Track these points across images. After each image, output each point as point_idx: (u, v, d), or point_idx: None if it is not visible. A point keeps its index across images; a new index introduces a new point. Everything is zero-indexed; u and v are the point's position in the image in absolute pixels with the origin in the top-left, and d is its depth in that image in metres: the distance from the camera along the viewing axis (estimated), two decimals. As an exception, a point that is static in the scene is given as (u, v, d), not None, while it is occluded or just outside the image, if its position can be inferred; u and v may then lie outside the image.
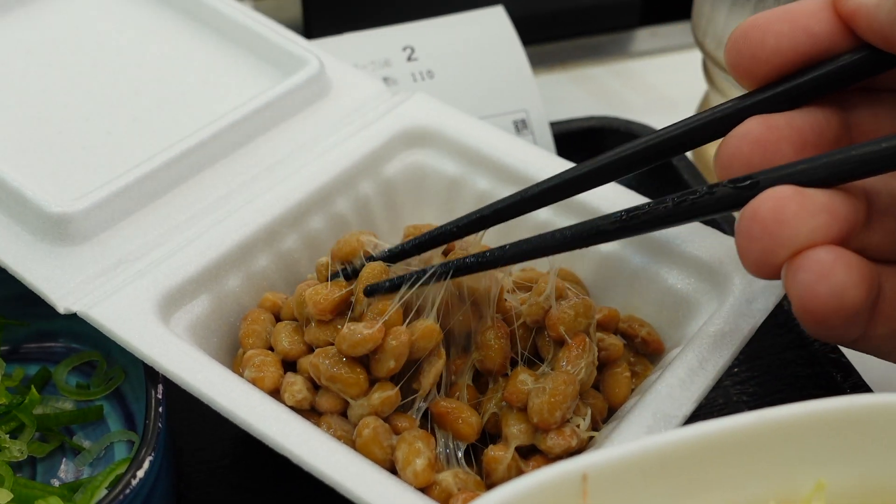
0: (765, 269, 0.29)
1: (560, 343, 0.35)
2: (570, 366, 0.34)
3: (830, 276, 0.27)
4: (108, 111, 0.44)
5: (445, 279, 0.34)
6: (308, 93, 0.45)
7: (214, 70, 0.47)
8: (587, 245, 0.33)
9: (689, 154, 0.57)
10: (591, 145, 0.54)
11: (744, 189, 0.30)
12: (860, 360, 0.40)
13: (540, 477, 0.24)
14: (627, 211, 0.32)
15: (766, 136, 0.31)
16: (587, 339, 0.35)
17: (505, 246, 0.34)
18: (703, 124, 0.33)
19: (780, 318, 0.42)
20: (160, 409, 0.34)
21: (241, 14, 0.47)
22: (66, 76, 0.45)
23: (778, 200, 0.28)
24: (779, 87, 0.32)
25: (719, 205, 0.30)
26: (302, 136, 0.44)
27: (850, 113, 0.33)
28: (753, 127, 0.31)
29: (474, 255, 0.34)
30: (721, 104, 0.33)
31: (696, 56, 0.60)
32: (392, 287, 0.34)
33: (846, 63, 0.31)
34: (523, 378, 0.34)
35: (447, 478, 0.32)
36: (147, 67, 0.46)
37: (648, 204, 0.32)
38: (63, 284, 0.36)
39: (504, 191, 0.43)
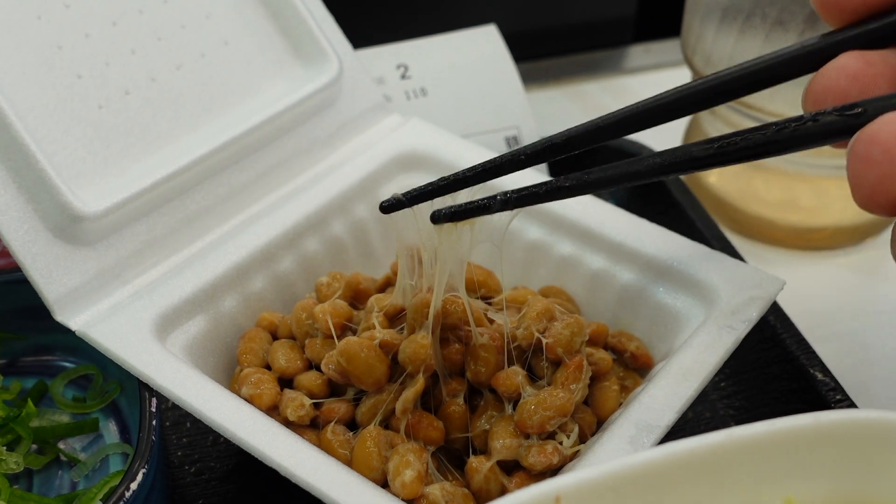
0: (878, 197, 0.27)
1: (556, 363, 0.36)
2: (571, 384, 0.35)
3: None
4: (142, 85, 0.42)
5: (511, 209, 0.34)
6: (319, 100, 0.45)
7: (246, 48, 0.45)
8: (680, 173, 0.32)
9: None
10: (582, 161, 0.55)
11: (851, 116, 0.28)
12: (844, 375, 0.41)
13: (513, 500, 0.25)
14: (723, 137, 0.30)
15: (864, 70, 0.30)
16: (584, 361, 0.35)
17: (588, 171, 0.33)
18: (789, 59, 0.32)
19: (767, 333, 0.43)
20: (154, 423, 0.35)
21: None
22: (102, 42, 0.42)
23: None
24: (867, 26, 0.31)
25: (825, 132, 0.28)
26: (307, 146, 0.45)
27: None
28: (850, 61, 0.30)
29: (542, 183, 0.34)
30: (809, 39, 0.32)
31: (687, 72, 0.61)
32: (455, 214, 0.35)
33: None
34: (515, 369, 0.35)
35: (434, 491, 0.33)
36: (185, 36, 0.44)
37: (746, 130, 0.30)
38: (62, 283, 0.37)
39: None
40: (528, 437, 0.34)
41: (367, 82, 0.48)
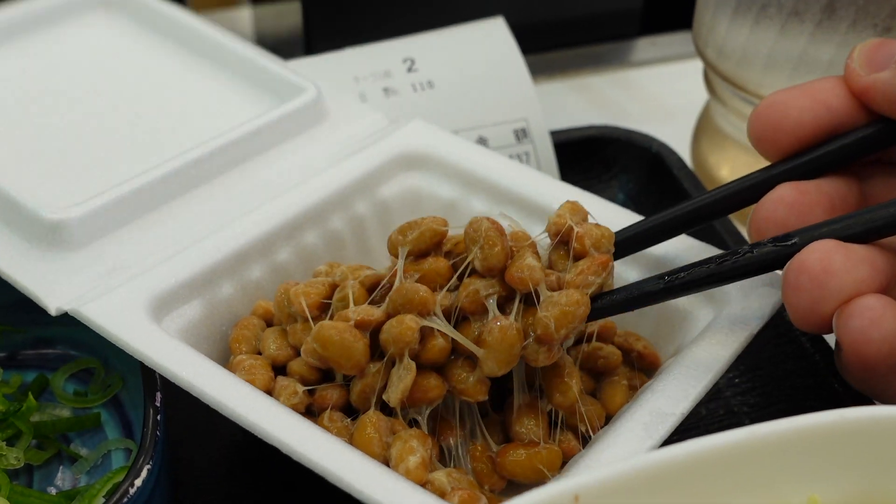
0: (813, 318, 0.30)
1: (579, 258, 0.35)
2: (588, 276, 0.33)
3: (882, 322, 0.29)
4: (107, 131, 0.45)
5: None
6: (305, 118, 0.45)
7: (214, 97, 0.47)
8: (635, 308, 0.34)
9: (690, 165, 0.57)
10: (591, 154, 0.54)
11: (785, 247, 0.31)
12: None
13: (531, 499, 0.24)
14: (669, 273, 0.33)
15: (800, 200, 0.33)
16: (611, 261, 0.34)
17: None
18: (732, 193, 0.35)
19: (781, 329, 0.42)
20: (158, 418, 0.34)
21: (241, 46, 0.48)
22: (65, 100, 0.46)
23: (824, 253, 0.30)
24: (801, 159, 0.34)
25: (762, 263, 0.32)
26: (297, 159, 0.44)
27: (865, 183, 0.35)
28: (787, 192, 0.33)
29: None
30: (748, 175, 0.35)
31: (696, 65, 0.60)
32: None
33: (863, 136, 0.34)
34: (531, 262, 0.33)
35: (440, 476, 0.32)
36: (148, 93, 0.47)
37: (691, 265, 0.33)
38: (56, 288, 0.36)
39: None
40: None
41: (358, 105, 0.48)
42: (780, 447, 0.26)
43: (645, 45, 0.75)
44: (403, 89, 0.52)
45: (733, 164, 0.55)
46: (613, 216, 0.40)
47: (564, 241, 0.34)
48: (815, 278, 0.30)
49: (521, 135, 0.52)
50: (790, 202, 0.33)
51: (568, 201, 0.36)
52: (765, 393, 0.42)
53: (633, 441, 0.31)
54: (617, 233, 0.36)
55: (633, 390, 0.37)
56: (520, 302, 0.33)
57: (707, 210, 0.36)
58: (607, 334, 0.39)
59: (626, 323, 0.40)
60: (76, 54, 0.49)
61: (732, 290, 0.37)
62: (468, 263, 0.34)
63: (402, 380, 0.33)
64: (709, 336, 0.35)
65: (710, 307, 0.37)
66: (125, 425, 0.40)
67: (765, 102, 0.34)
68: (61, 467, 0.38)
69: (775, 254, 0.31)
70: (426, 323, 0.33)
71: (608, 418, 0.36)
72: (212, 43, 0.49)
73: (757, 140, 0.35)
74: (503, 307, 0.33)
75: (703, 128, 0.59)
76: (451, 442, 0.35)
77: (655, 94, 0.70)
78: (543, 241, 0.36)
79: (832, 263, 0.29)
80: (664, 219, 0.36)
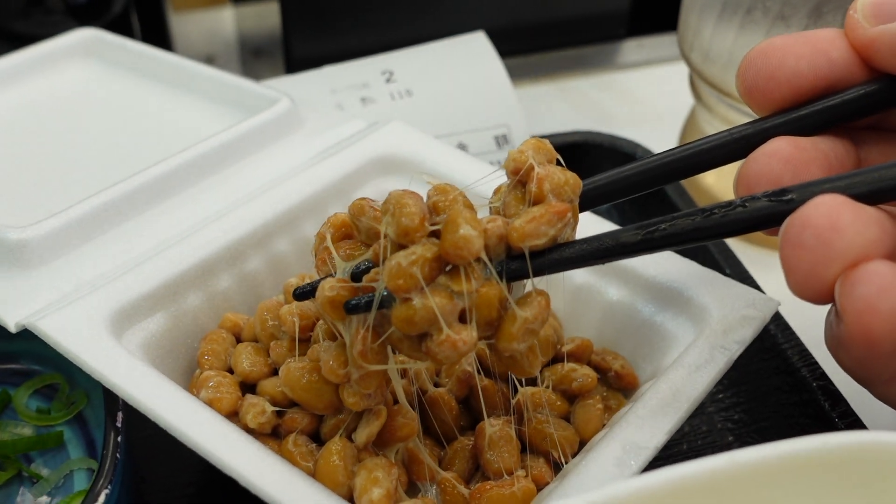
0: (813, 282, 0.26)
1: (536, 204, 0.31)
2: (541, 225, 0.29)
3: (892, 290, 0.25)
4: (83, 157, 0.45)
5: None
6: (278, 127, 0.45)
7: (190, 120, 0.48)
8: (607, 261, 0.30)
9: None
10: (575, 160, 0.53)
11: (782, 202, 0.28)
12: (848, 387, 0.39)
13: None
14: (648, 223, 0.30)
15: (796, 155, 0.29)
16: (570, 211, 0.30)
17: (505, 262, 0.29)
18: (718, 145, 0.32)
19: (767, 343, 0.41)
20: (118, 439, 0.33)
21: (212, 71, 0.49)
22: (44, 132, 0.47)
23: (832, 208, 0.26)
24: (795, 113, 0.31)
25: (754, 219, 0.28)
26: (271, 167, 0.43)
27: (860, 147, 0.32)
28: (782, 146, 0.30)
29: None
30: (737, 126, 0.32)
31: (683, 68, 0.59)
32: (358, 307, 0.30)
33: (866, 92, 0.30)
34: (465, 233, 0.28)
35: None
36: (125, 123, 0.48)
37: (674, 216, 0.29)
38: (17, 305, 0.35)
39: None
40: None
41: (337, 115, 0.47)
42: (762, 474, 0.25)
43: (631, 48, 0.73)
44: (381, 98, 0.51)
45: (719, 170, 0.54)
46: (590, 226, 0.39)
47: (524, 182, 0.30)
48: (821, 235, 0.26)
49: (502, 141, 0.51)
50: (786, 157, 0.29)
51: (534, 137, 0.32)
52: (749, 409, 0.41)
53: (603, 477, 0.30)
54: (588, 182, 0.32)
55: (610, 411, 0.36)
56: (467, 280, 0.28)
57: (691, 162, 0.32)
58: (583, 353, 0.37)
59: (605, 341, 0.39)
60: (56, 94, 0.50)
61: (714, 309, 0.36)
62: (384, 235, 0.29)
63: (369, 424, 0.31)
64: (687, 360, 0.34)
65: (691, 327, 0.36)
66: (89, 444, 0.38)
67: (757, 49, 0.31)
68: (22, 488, 0.37)
69: (770, 209, 0.28)
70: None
71: (582, 443, 0.35)
72: (185, 73, 0.50)
73: (748, 90, 0.31)
74: (432, 275, 0.28)
75: (689, 133, 0.58)
76: (420, 475, 0.33)
77: (642, 97, 0.69)
78: (483, 190, 0.32)
79: (840, 220, 0.26)
80: (644, 167, 0.32)
